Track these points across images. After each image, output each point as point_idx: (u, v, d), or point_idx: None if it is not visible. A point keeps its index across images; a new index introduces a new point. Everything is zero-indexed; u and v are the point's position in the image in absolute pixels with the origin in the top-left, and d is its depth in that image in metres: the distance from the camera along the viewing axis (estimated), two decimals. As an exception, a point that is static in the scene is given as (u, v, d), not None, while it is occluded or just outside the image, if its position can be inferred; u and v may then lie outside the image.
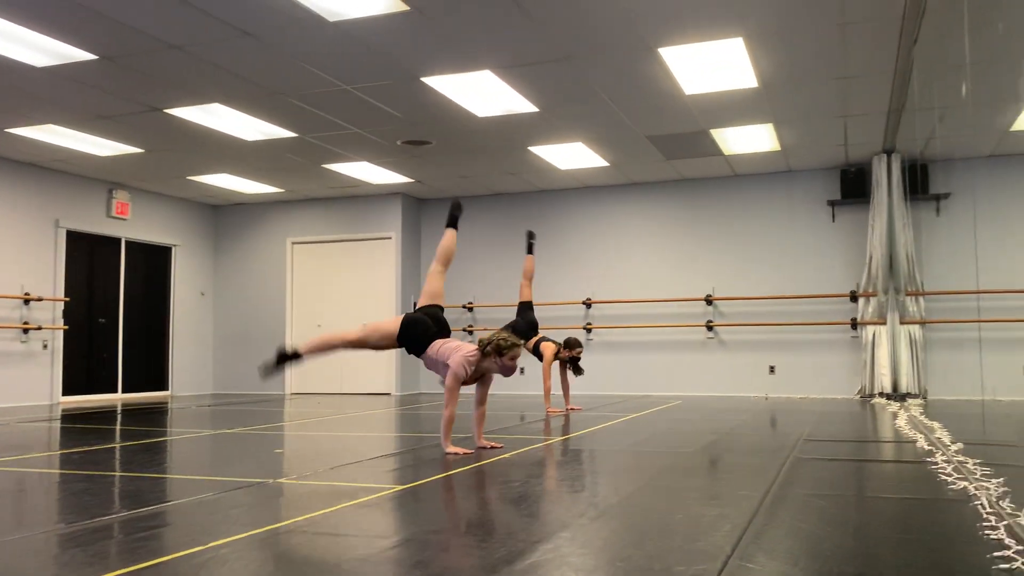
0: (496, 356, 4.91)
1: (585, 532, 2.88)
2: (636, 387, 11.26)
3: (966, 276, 9.93)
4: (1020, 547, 2.57)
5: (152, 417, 8.34)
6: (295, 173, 10.89)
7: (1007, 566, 2.38)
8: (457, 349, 5.01)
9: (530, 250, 8.32)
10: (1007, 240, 9.94)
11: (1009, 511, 3.10)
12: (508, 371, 4.97)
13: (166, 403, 10.56)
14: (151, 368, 12.20)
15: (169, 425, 7.43)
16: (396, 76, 7.16)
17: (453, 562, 2.53)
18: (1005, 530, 2.79)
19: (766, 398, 10.33)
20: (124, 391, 11.65)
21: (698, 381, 11.08)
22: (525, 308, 8.08)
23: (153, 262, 12.30)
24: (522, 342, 5.24)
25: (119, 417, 8.43)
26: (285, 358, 5.23)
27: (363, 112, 8.17)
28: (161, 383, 12.31)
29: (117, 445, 5.83)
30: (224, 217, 13.28)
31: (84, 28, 6.08)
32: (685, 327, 11.16)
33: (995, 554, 2.50)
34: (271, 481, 4.06)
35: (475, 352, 4.94)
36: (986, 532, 2.79)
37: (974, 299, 9.94)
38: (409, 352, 5.22)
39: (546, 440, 5.84)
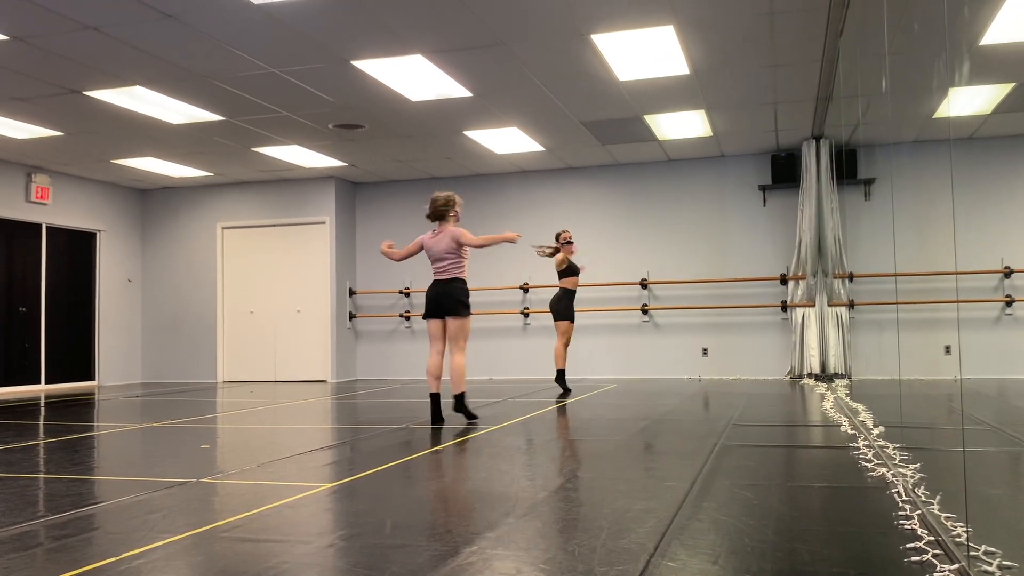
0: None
1: (512, 531, 2.87)
2: (573, 371, 11.30)
3: (890, 259, 10.21)
4: (931, 538, 2.64)
5: (76, 410, 8.08)
6: (224, 157, 10.62)
7: (918, 558, 2.44)
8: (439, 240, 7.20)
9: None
10: (932, 223, 10.23)
11: (923, 499, 3.19)
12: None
13: (92, 394, 10.25)
14: (76, 358, 11.81)
15: (94, 419, 7.20)
16: (326, 59, 7.01)
17: (375, 567, 2.49)
18: (919, 520, 2.87)
19: (699, 380, 10.49)
20: (47, 382, 11.27)
21: (634, 364, 11.20)
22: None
23: (77, 248, 11.88)
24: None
25: (41, 411, 8.14)
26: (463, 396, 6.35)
27: (293, 95, 7.98)
28: (87, 373, 11.94)
29: (36, 442, 5.62)
30: (152, 201, 12.90)
31: (-8, 7, 5.79)
32: (621, 311, 11.25)
33: (908, 545, 2.57)
34: (199, 480, 3.96)
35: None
36: (901, 522, 2.86)
37: (896, 281, 10.23)
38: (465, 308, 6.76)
39: (481, 430, 5.83)
